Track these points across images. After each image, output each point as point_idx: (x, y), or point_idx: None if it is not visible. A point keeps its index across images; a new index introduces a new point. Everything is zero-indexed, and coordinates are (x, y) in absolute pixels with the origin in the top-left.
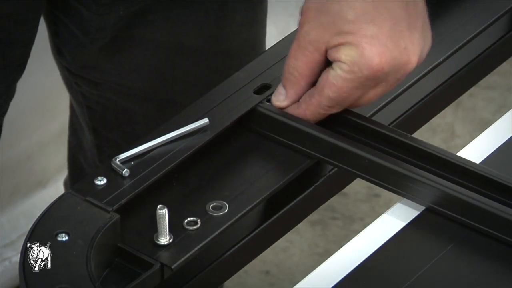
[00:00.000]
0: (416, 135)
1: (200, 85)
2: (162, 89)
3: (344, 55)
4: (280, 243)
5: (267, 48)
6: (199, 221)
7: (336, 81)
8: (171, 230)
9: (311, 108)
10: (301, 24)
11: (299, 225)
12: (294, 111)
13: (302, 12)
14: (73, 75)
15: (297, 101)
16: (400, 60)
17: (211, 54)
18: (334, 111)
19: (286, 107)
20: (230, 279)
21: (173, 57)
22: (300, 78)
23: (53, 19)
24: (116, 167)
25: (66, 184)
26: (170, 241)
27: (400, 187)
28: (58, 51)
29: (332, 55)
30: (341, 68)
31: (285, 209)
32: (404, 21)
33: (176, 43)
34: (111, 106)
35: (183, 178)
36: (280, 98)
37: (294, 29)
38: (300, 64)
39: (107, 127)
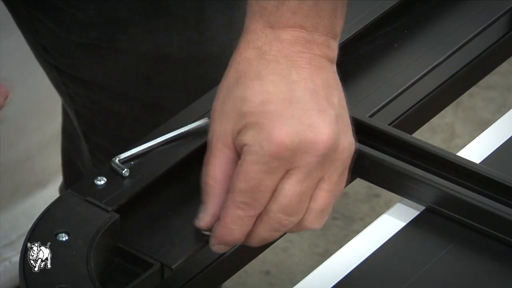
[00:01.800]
0: (416, 135)
1: (186, 90)
2: (148, 93)
3: (248, 136)
4: (280, 243)
5: None
6: None
7: (242, 167)
8: (171, 230)
9: (229, 213)
10: (210, 120)
11: None
12: (218, 229)
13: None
14: (60, 74)
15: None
16: (305, 136)
17: (194, 59)
18: (261, 227)
19: (210, 226)
20: (230, 279)
21: (157, 65)
22: (216, 185)
23: (28, 17)
24: (116, 167)
25: (61, 190)
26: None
27: (400, 187)
28: (44, 49)
29: (238, 142)
30: (246, 151)
31: None
32: (310, 102)
33: (158, 53)
34: (98, 110)
35: (183, 178)
36: (202, 215)
37: None
38: (212, 168)
39: (95, 132)
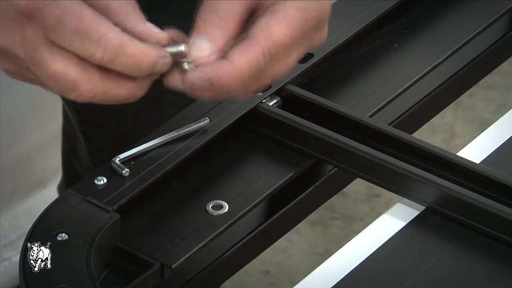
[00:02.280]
0: (416, 135)
1: None
2: (150, 87)
3: None
4: (280, 243)
5: None
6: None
7: (289, 20)
8: (171, 230)
9: (251, 61)
10: None
11: (299, 225)
12: (225, 68)
13: None
14: None
15: (222, 54)
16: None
17: None
18: (267, 81)
19: (213, 62)
20: (230, 279)
21: None
22: (232, 22)
23: None
24: (116, 167)
25: (60, 189)
26: None
27: (400, 187)
28: None
29: None
30: (295, 6)
31: (285, 209)
32: None
33: None
34: (98, 107)
35: (183, 178)
36: (205, 52)
37: None
38: (236, 4)
39: (95, 130)
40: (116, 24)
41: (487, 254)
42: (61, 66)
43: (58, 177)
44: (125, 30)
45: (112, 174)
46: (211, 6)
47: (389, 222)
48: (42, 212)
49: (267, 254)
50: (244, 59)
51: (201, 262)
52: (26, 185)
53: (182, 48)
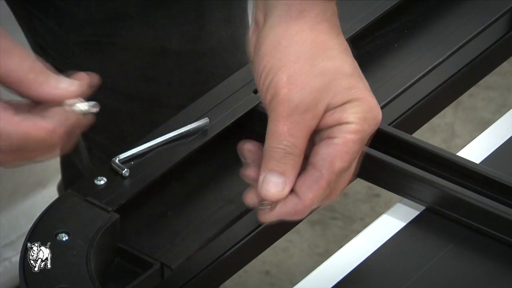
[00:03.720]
0: (416, 135)
1: (184, 85)
2: (147, 88)
3: (353, 114)
4: (280, 243)
5: None
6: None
7: (348, 148)
8: (171, 230)
9: (318, 194)
10: (284, 94)
11: (299, 225)
12: (297, 206)
13: (278, 83)
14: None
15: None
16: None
17: (193, 54)
18: (330, 200)
19: (285, 197)
20: (230, 279)
21: (156, 60)
22: (300, 157)
23: (27, 17)
24: (116, 167)
25: (60, 189)
26: None
27: (400, 187)
28: (42, 49)
29: (336, 117)
30: (351, 131)
31: None
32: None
33: (157, 47)
34: None
35: (183, 178)
36: (280, 187)
37: None
38: (299, 141)
39: (94, 129)
40: (32, 96)
41: (487, 254)
42: None
43: (58, 177)
44: (42, 99)
45: (112, 174)
46: (288, 149)
47: (389, 222)
48: (42, 212)
49: (267, 254)
50: (313, 195)
51: (201, 262)
52: (26, 185)
53: (93, 108)
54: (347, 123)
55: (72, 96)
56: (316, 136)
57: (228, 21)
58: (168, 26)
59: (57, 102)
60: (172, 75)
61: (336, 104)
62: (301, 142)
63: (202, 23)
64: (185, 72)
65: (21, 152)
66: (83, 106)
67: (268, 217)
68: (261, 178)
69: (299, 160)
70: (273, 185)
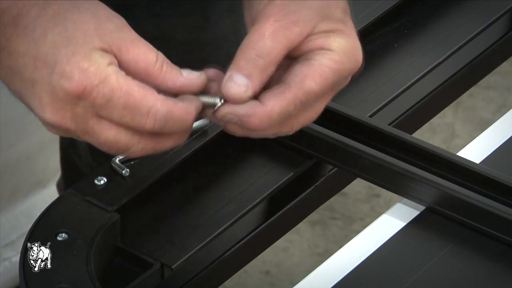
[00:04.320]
0: (416, 135)
1: None
2: None
3: (336, 42)
4: (280, 243)
5: None
6: None
7: (323, 71)
8: (171, 230)
9: (282, 105)
10: (281, 1)
11: (299, 225)
12: (256, 109)
13: None
14: None
15: (256, 95)
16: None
17: (198, 44)
18: (295, 126)
19: (246, 101)
20: (230, 279)
21: (160, 50)
22: (272, 64)
23: None
24: (116, 167)
25: (59, 186)
26: None
27: (400, 187)
28: None
29: (319, 41)
30: (330, 58)
31: (285, 209)
32: None
33: (163, 37)
34: None
35: (183, 178)
36: (242, 89)
37: None
38: (276, 48)
39: None
40: (158, 85)
41: (487, 254)
42: (112, 134)
43: (58, 177)
44: (167, 89)
45: (112, 174)
46: (253, 43)
47: (389, 222)
48: (42, 212)
49: (267, 254)
50: (276, 103)
51: (201, 262)
52: (26, 185)
53: (217, 101)
54: (329, 49)
55: (196, 85)
56: (294, 63)
57: (232, 11)
58: (172, 16)
59: (182, 92)
60: (175, 65)
61: (323, 29)
62: (277, 51)
63: (206, 14)
64: (188, 62)
65: (159, 138)
66: (206, 98)
67: (224, 111)
68: (226, 75)
69: (269, 69)
70: (235, 85)
